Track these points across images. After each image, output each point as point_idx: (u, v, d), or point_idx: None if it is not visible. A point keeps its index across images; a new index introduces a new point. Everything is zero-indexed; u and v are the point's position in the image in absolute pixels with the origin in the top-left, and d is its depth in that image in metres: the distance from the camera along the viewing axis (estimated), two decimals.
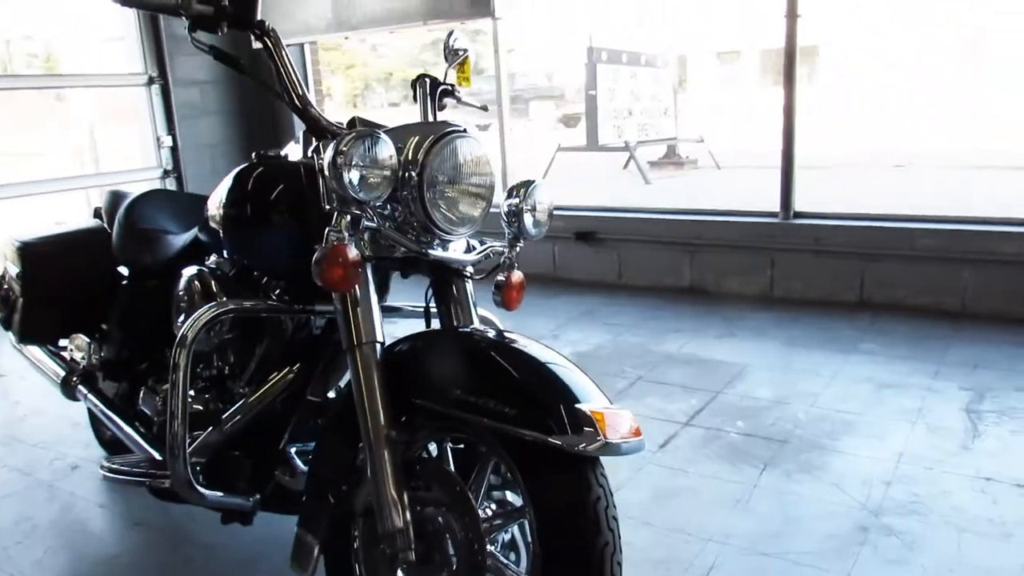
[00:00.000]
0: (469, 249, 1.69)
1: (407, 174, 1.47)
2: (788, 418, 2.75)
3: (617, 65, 9.31)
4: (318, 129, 1.62)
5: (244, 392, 1.80)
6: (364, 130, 1.40)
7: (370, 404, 1.44)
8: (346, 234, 1.41)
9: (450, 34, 2.07)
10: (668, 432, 2.70)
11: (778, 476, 2.37)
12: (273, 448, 1.80)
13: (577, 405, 1.29)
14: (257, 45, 1.59)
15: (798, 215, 4.19)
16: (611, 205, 4.90)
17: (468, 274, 1.69)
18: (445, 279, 1.69)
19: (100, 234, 2.35)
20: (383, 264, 1.61)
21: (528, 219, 1.69)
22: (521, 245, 1.78)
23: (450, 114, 1.95)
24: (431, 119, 1.92)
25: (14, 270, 2.31)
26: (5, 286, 2.37)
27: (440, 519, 1.42)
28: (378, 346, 1.49)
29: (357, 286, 1.49)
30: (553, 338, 3.76)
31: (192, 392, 1.86)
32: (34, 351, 2.47)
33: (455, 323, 1.66)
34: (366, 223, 1.45)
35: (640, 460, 2.49)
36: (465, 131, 1.57)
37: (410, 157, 1.48)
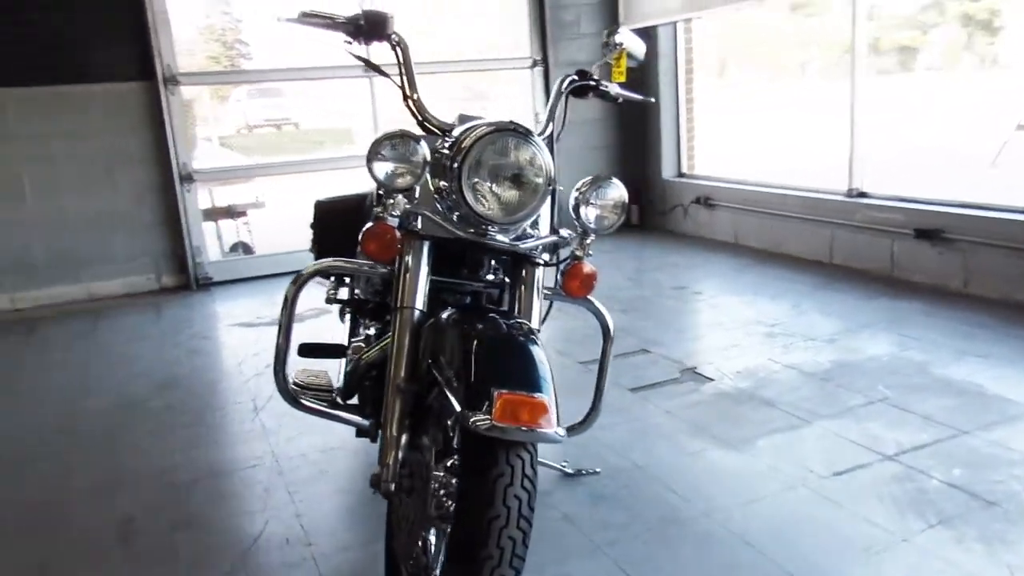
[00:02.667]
0: (527, 238, 1.81)
1: (453, 164, 1.68)
2: None
3: None
4: (424, 125, 1.91)
5: (376, 334, 2.20)
6: (395, 131, 1.67)
7: (396, 357, 1.72)
8: (387, 215, 1.69)
9: (611, 31, 2.16)
10: (859, 461, 2.41)
11: (944, 538, 2.00)
12: None
13: (493, 388, 1.41)
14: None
15: None
16: (961, 200, 4.16)
17: (538, 261, 1.83)
18: (518, 264, 1.85)
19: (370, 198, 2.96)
20: (451, 243, 1.83)
21: (589, 213, 1.78)
22: (592, 239, 1.87)
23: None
24: (554, 110, 2.06)
25: (311, 220, 3.06)
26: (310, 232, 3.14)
27: (419, 461, 1.65)
28: (417, 311, 1.75)
29: (410, 258, 1.75)
30: (828, 342, 3.46)
31: (363, 332, 2.34)
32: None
33: (517, 305, 1.83)
34: (407, 207, 1.71)
35: (800, 480, 2.31)
36: (517, 129, 1.70)
37: (457, 149, 1.68)
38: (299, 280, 1.90)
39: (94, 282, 5.07)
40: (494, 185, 1.70)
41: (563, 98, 2.11)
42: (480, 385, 1.44)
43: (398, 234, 1.74)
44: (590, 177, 1.88)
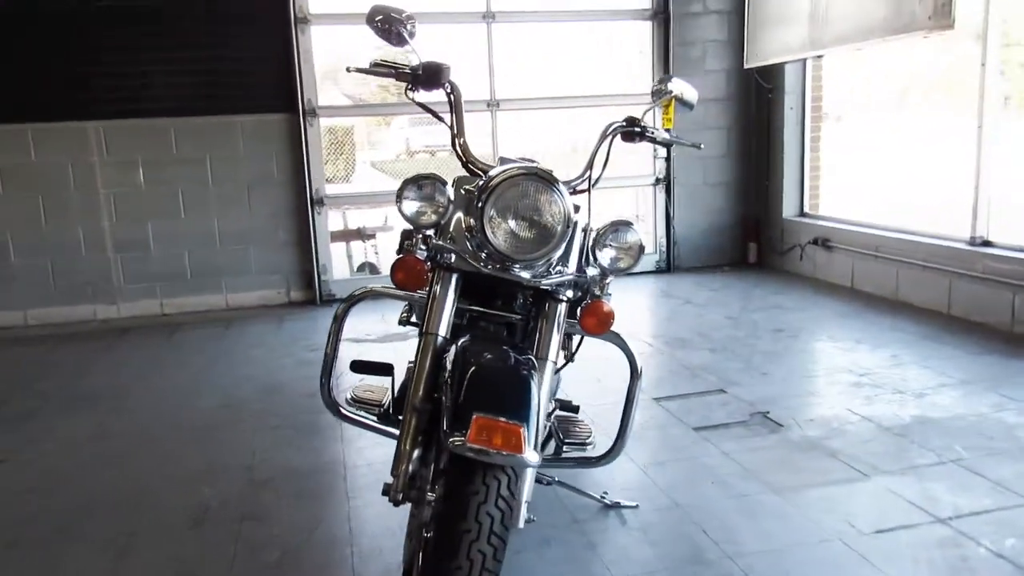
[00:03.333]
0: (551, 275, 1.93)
1: (478, 203, 1.85)
2: None
3: None
4: (468, 166, 2.10)
5: None
6: (419, 175, 1.85)
7: (416, 378, 1.88)
8: (416, 248, 1.87)
9: (663, 78, 2.26)
10: (907, 521, 2.32)
11: None
12: None
13: (474, 412, 1.54)
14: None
15: None
16: None
17: (560, 298, 1.95)
18: (541, 299, 1.98)
19: None
20: (484, 277, 1.97)
21: (606, 254, 1.88)
22: (611, 279, 1.97)
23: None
24: (595, 154, 2.17)
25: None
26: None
27: (424, 476, 1.80)
28: (440, 338, 1.91)
29: (438, 288, 1.92)
30: (916, 396, 3.31)
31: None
32: None
33: (537, 337, 1.94)
34: (436, 242, 1.88)
35: (838, 534, 2.27)
36: (539, 175, 1.84)
37: (483, 189, 1.85)
38: (349, 300, 2.12)
39: (232, 293, 5.62)
40: (513, 224, 1.84)
41: (607, 142, 2.21)
42: (464, 408, 1.58)
43: (427, 265, 1.92)
44: (610, 222, 1.97)
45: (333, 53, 6.06)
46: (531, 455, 1.53)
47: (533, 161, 2.14)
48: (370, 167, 14.85)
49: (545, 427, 2.32)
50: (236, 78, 5.39)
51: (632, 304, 5.39)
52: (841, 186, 6.95)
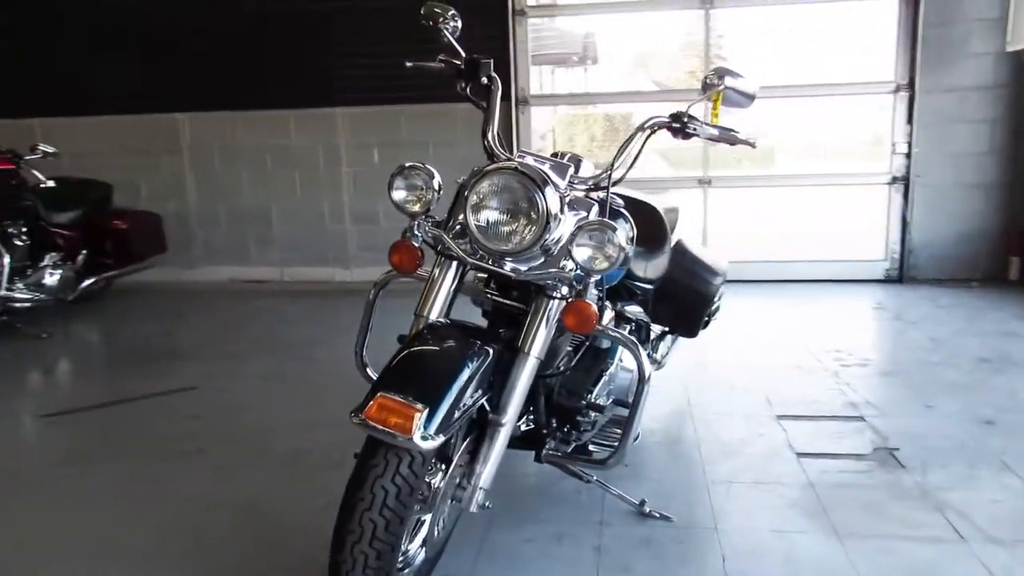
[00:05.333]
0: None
1: (464, 193, 1.94)
2: None
3: None
4: (492, 160, 2.17)
5: None
6: (409, 164, 1.97)
7: (396, 354, 2.02)
8: (412, 233, 2.01)
9: (718, 71, 2.13)
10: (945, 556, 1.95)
11: None
12: None
13: (381, 390, 1.64)
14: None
15: None
16: None
17: (551, 294, 1.97)
18: (537, 293, 2.00)
19: None
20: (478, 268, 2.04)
21: (581, 252, 1.86)
22: (595, 278, 1.93)
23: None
24: (625, 148, 2.11)
25: None
26: None
27: None
28: (427, 321, 2.02)
29: (436, 272, 2.04)
30: (986, 424, 2.68)
31: None
32: None
33: (524, 331, 1.98)
34: (428, 228, 1.99)
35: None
36: (517, 169, 1.88)
37: (468, 180, 1.93)
38: (379, 283, 2.32)
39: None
40: (487, 215, 1.89)
41: (641, 138, 2.12)
42: (377, 384, 1.68)
43: (420, 252, 2.04)
44: (596, 219, 1.92)
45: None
46: (419, 439, 1.59)
47: (563, 156, 2.14)
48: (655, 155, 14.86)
49: (588, 422, 2.31)
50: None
51: (827, 312, 4.91)
52: None
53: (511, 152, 2.13)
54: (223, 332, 4.81)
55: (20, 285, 4.59)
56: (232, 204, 6.28)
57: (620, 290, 2.69)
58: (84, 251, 5.07)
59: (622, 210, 2.30)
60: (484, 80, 2.24)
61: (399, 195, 1.99)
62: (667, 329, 3.21)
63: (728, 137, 2.17)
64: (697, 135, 2.14)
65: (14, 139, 5.19)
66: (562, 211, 1.94)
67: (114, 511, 2.56)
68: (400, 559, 1.90)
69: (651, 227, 2.92)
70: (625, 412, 2.66)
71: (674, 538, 2.31)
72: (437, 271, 2.05)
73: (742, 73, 2.14)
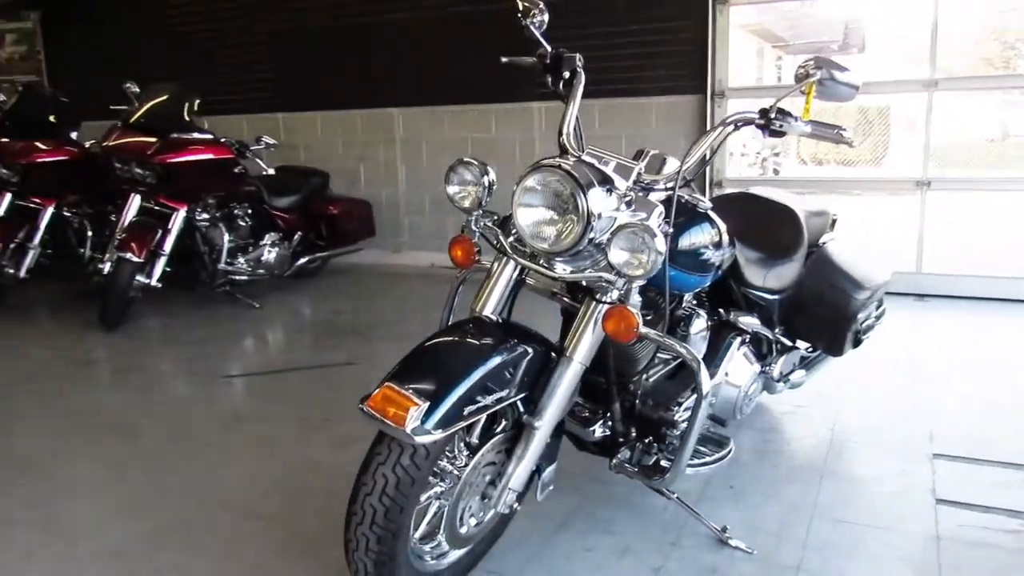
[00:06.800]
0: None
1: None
2: None
3: None
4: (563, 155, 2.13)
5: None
6: (464, 159, 1.98)
7: None
8: (471, 229, 2.03)
9: (816, 61, 1.93)
10: None
11: None
12: None
13: (387, 380, 1.69)
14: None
15: None
16: None
17: (599, 297, 1.91)
18: (588, 296, 1.95)
19: None
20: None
21: (616, 255, 1.78)
22: (638, 284, 1.84)
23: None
24: (701, 144, 1.97)
25: None
26: None
27: None
28: (480, 315, 2.03)
29: (494, 268, 2.05)
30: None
31: None
32: None
33: (571, 327, 1.93)
34: (484, 223, 2.01)
35: None
36: (560, 167, 1.83)
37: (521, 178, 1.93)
38: (460, 277, 2.37)
39: None
40: (532, 213, 1.86)
41: (716, 135, 1.97)
42: (389, 374, 1.73)
43: (477, 247, 2.05)
44: (627, 222, 1.80)
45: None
46: (412, 431, 1.60)
47: (645, 155, 2.05)
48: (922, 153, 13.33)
49: (672, 432, 2.19)
50: (650, 59, 5.67)
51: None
52: None
53: (581, 149, 2.06)
54: (402, 314, 5.13)
55: (242, 260, 5.23)
56: (436, 193, 6.65)
57: (736, 299, 2.50)
58: (300, 232, 5.67)
59: (709, 212, 2.14)
60: (566, 74, 2.17)
61: (451, 189, 2.02)
62: (809, 346, 2.92)
63: (823, 133, 1.94)
64: (785, 132, 1.93)
65: (260, 131, 5.88)
66: (617, 211, 1.85)
67: (240, 468, 2.84)
68: (430, 547, 1.95)
69: (778, 232, 2.68)
70: (723, 430, 2.50)
71: (744, 572, 2.11)
72: (496, 266, 2.05)
73: (843, 65, 1.90)
